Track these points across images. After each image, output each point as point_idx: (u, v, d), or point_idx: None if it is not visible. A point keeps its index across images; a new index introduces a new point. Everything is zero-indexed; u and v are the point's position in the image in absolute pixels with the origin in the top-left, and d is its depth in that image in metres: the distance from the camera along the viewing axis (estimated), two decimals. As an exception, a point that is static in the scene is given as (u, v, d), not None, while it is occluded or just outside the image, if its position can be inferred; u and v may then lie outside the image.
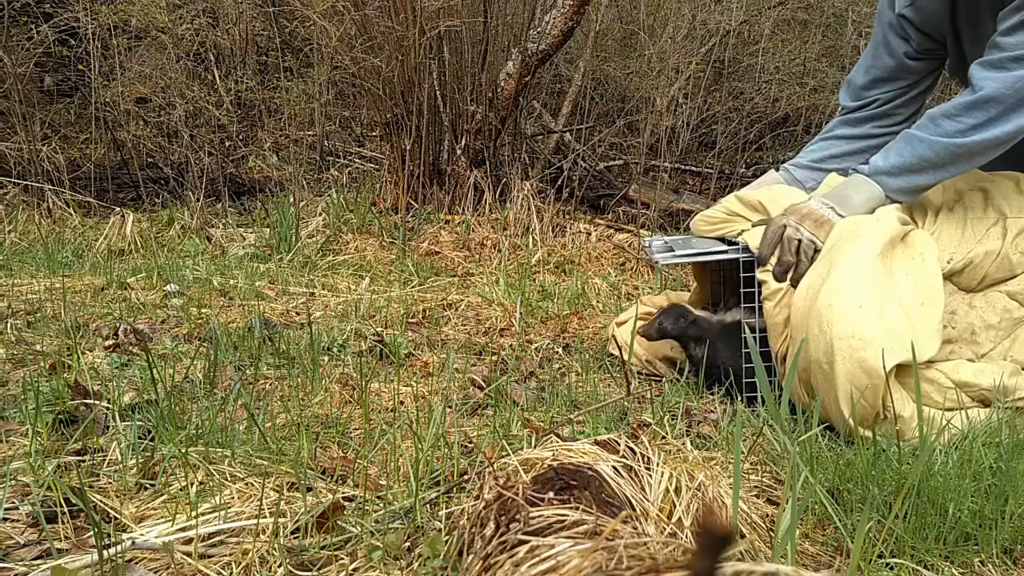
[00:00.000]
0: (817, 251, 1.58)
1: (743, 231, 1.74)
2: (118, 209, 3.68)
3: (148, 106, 4.55)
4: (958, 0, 1.72)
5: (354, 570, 0.92)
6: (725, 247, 1.77)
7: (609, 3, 4.88)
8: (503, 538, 0.76)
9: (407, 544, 0.96)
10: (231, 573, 0.89)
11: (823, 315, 1.44)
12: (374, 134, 4.87)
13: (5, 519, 0.97)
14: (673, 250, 1.78)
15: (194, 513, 0.97)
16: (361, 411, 1.44)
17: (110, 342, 1.79)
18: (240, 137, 4.90)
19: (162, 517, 0.99)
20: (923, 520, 1.05)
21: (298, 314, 2.32)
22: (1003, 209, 1.65)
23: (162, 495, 1.05)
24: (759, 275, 1.64)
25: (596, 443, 1.00)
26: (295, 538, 0.97)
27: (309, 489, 1.07)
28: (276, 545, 0.93)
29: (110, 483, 1.08)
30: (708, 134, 5.18)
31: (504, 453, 1.07)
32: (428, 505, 1.07)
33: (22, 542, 0.93)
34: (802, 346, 1.47)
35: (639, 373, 1.94)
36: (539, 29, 3.66)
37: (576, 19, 3.66)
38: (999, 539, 1.04)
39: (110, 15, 4.16)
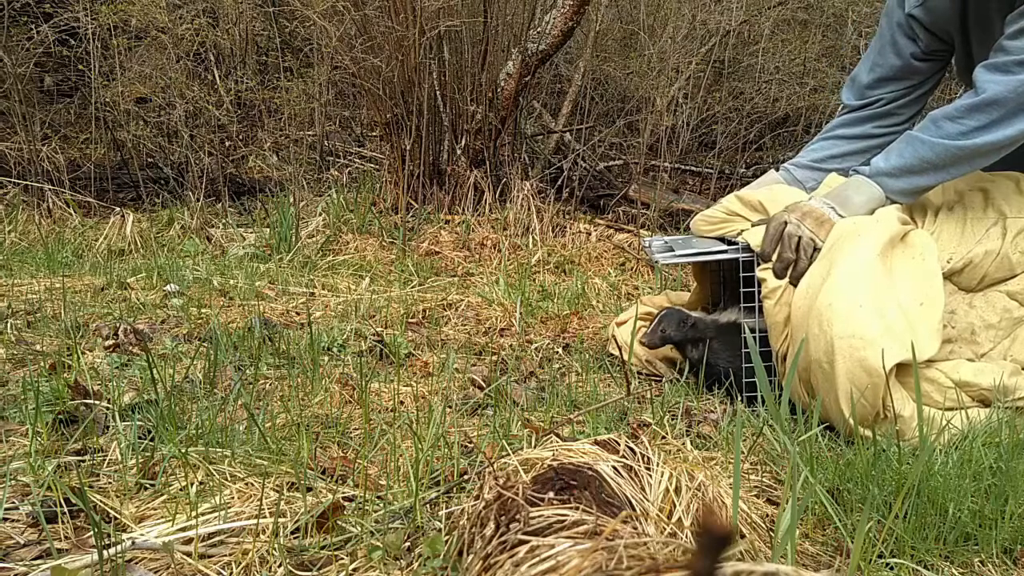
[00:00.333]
0: (817, 249, 1.58)
1: (743, 230, 1.75)
2: (118, 209, 3.68)
3: (148, 106, 4.55)
4: (968, 1, 1.71)
5: (354, 570, 0.92)
6: (725, 247, 1.77)
7: (609, 3, 4.88)
8: (503, 538, 0.76)
9: (407, 544, 0.96)
10: (231, 573, 0.89)
11: (823, 314, 1.44)
12: (374, 134, 4.87)
13: (5, 519, 0.97)
14: (673, 250, 1.78)
15: (194, 513, 0.97)
16: (361, 411, 1.44)
17: (110, 342, 1.79)
18: (240, 137, 4.90)
19: (162, 517, 0.99)
20: (923, 520, 1.05)
21: (298, 314, 2.32)
22: (1003, 209, 1.65)
23: (162, 495, 1.05)
24: (759, 273, 1.64)
25: (596, 443, 1.00)
26: (295, 538, 0.97)
27: (309, 489, 1.07)
28: (276, 545, 0.93)
29: (110, 483, 1.08)
30: (708, 134, 5.18)
31: (504, 453, 1.07)
32: (428, 505, 1.07)
33: (22, 542, 0.93)
34: (802, 345, 1.47)
35: (639, 373, 1.94)
36: (539, 29, 3.66)
37: (576, 19, 3.66)
38: (999, 539, 1.04)
39: (110, 15, 4.16)
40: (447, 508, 1.04)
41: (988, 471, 1.13)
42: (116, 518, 0.99)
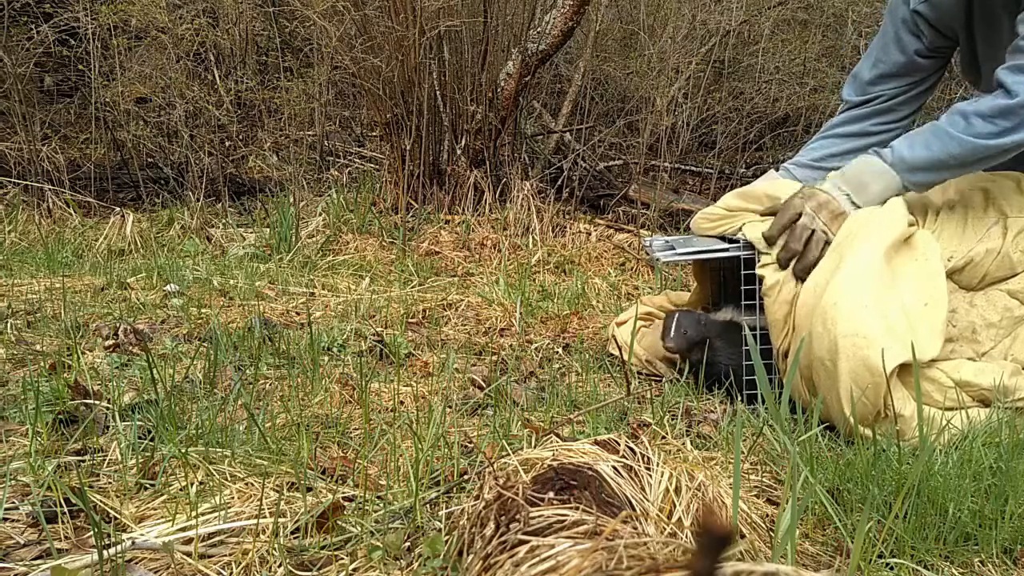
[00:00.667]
0: (828, 243, 1.57)
1: (745, 223, 1.74)
2: (118, 209, 3.68)
3: (148, 106, 4.55)
4: None
5: (354, 570, 0.92)
6: (726, 245, 1.77)
7: (609, 3, 4.88)
8: (503, 538, 0.76)
9: (407, 544, 0.96)
10: (231, 573, 0.89)
11: (828, 313, 1.44)
12: (374, 134, 4.87)
13: (5, 519, 0.97)
14: (674, 249, 1.78)
15: (194, 513, 0.97)
16: (361, 411, 1.44)
17: (110, 342, 1.79)
18: (240, 137, 4.90)
19: (162, 517, 0.99)
20: (923, 520, 1.05)
21: (298, 314, 2.32)
22: (1004, 208, 1.65)
23: (162, 495, 1.05)
24: (759, 271, 1.64)
25: (596, 443, 1.00)
26: (295, 538, 0.97)
27: (309, 489, 1.07)
28: (276, 545, 0.93)
29: (110, 483, 1.08)
30: (708, 134, 5.18)
31: (504, 453, 1.07)
32: (428, 505, 1.07)
33: (22, 542, 0.93)
34: (803, 343, 1.47)
35: (639, 373, 1.94)
36: (539, 29, 3.66)
37: (576, 19, 3.66)
38: (999, 539, 1.04)
39: (110, 15, 4.15)
40: (447, 508, 1.04)
41: (988, 471, 1.13)
42: (116, 518, 0.99)
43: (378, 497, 1.07)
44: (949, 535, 1.04)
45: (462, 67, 3.71)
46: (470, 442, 1.37)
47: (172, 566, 0.90)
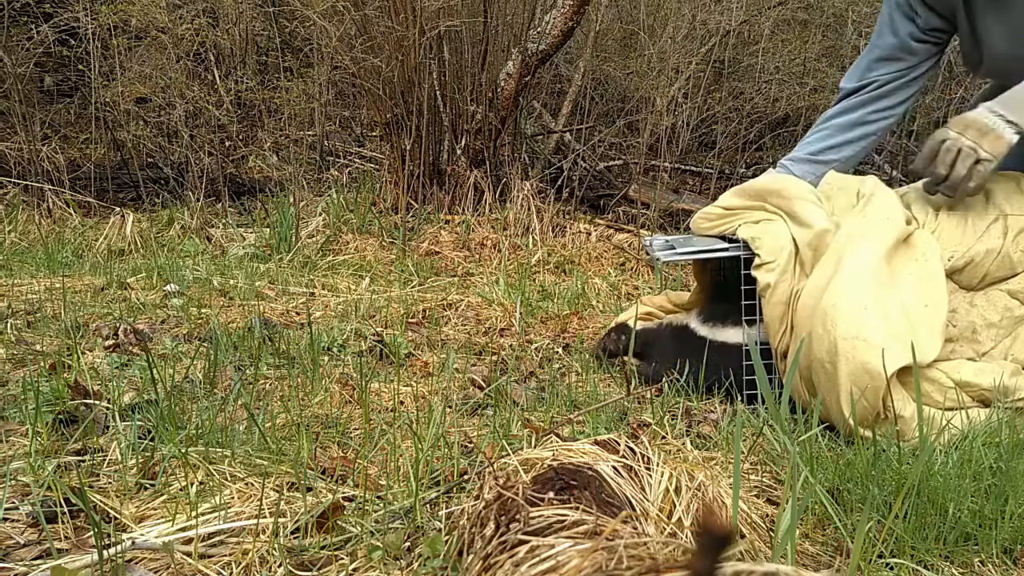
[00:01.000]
0: (978, 161, 1.53)
1: (741, 223, 1.74)
2: (118, 209, 3.68)
3: (148, 106, 4.55)
4: None
5: (354, 570, 0.92)
6: (725, 245, 1.77)
7: (609, 3, 4.88)
8: (503, 538, 0.76)
9: (407, 544, 0.96)
10: (231, 573, 0.89)
11: (828, 314, 1.44)
12: (374, 134, 4.87)
13: (5, 519, 0.97)
14: (674, 248, 1.78)
15: (194, 513, 0.97)
16: (361, 411, 1.44)
17: (110, 342, 1.79)
18: (240, 137, 4.90)
19: (162, 517, 0.99)
20: (923, 520, 1.05)
21: (298, 314, 2.32)
22: (1004, 208, 1.65)
23: (162, 495, 1.05)
24: (754, 272, 1.64)
25: (596, 443, 1.00)
26: (295, 538, 0.97)
27: (309, 489, 1.07)
28: (276, 545, 0.93)
29: (110, 483, 1.08)
30: (708, 134, 5.18)
31: (504, 453, 1.07)
32: (428, 505, 1.07)
33: (22, 542, 0.93)
34: (802, 344, 1.47)
35: (639, 373, 1.94)
36: (539, 29, 3.66)
37: (576, 19, 3.66)
38: (999, 539, 1.04)
39: (110, 15, 4.15)
40: (447, 508, 1.04)
41: (988, 471, 1.13)
42: (116, 518, 0.99)
43: (378, 497, 1.07)
44: (949, 535, 1.04)
45: (462, 67, 3.71)
46: (470, 442, 1.37)
47: (172, 566, 0.90)
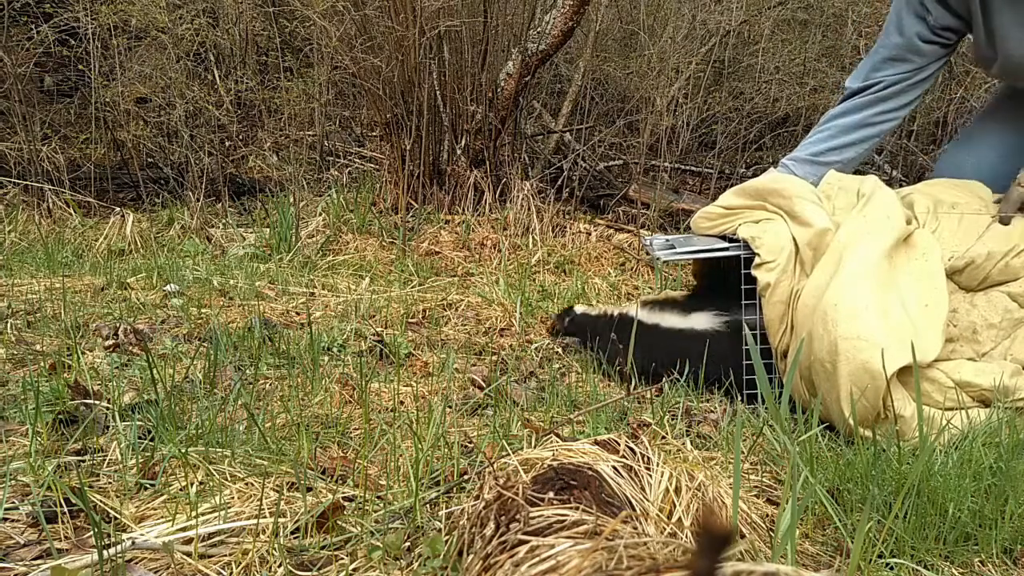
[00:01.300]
0: None
1: (741, 223, 1.74)
2: (118, 209, 3.68)
3: (148, 106, 4.55)
4: None
5: (354, 570, 0.92)
6: (726, 244, 1.77)
7: (609, 3, 4.87)
8: (503, 538, 0.76)
9: (407, 544, 0.96)
10: (231, 573, 0.89)
11: (828, 314, 1.44)
12: (374, 134, 4.86)
13: (5, 519, 0.97)
14: (674, 248, 1.79)
15: (194, 513, 0.97)
16: (361, 411, 1.44)
17: (110, 342, 1.79)
18: (240, 137, 4.90)
19: (162, 517, 0.99)
20: (923, 520, 1.05)
21: (298, 314, 2.32)
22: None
23: (162, 495, 1.05)
24: (753, 272, 1.64)
25: (596, 443, 1.00)
26: (295, 538, 0.97)
27: (309, 489, 1.07)
28: (276, 545, 0.93)
29: (110, 483, 1.08)
30: (708, 134, 5.17)
31: (504, 453, 1.07)
32: (428, 505, 1.07)
33: (22, 542, 0.93)
34: (802, 344, 1.47)
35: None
36: (539, 29, 3.66)
37: (576, 19, 3.66)
38: (999, 539, 1.04)
39: (110, 15, 4.15)
40: (447, 508, 1.04)
41: (988, 471, 1.13)
42: (116, 518, 0.99)
43: (378, 497, 1.07)
44: (949, 535, 1.04)
45: (462, 67, 3.70)
46: (470, 442, 1.37)
47: (172, 566, 0.90)
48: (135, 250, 3.35)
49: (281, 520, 0.97)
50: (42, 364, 1.55)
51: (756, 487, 1.22)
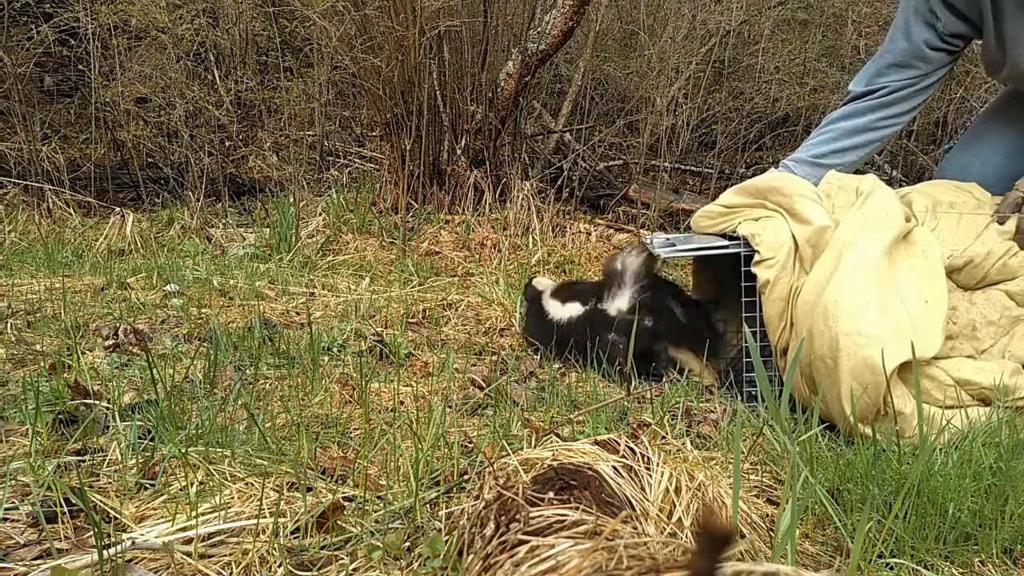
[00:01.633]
0: None
1: (741, 221, 1.74)
2: (118, 209, 3.68)
3: (148, 106, 4.55)
4: None
5: (354, 570, 0.92)
6: (725, 242, 1.77)
7: (609, 3, 4.87)
8: (503, 538, 0.76)
9: (407, 544, 0.96)
10: (231, 573, 0.89)
11: (829, 310, 1.44)
12: (374, 134, 4.86)
13: (5, 519, 0.97)
14: (674, 246, 1.79)
15: (194, 513, 0.97)
16: (361, 411, 1.44)
17: (110, 342, 1.79)
18: (240, 137, 4.90)
19: (162, 517, 0.99)
20: (923, 520, 1.05)
21: (298, 314, 2.32)
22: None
23: (162, 495, 1.05)
24: (753, 269, 1.64)
25: (596, 443, 1.00)
26: (295, 538, 0.97)
27: (309, 489, 1.07)
28: (276, 545, 0.93)
29: (110, 483, 1.08)
30: (708, 134, 5.17)
31: (504, 453, 1.07)
32: (428, 505, 1.07)
33: (22, 542, 0.93)
34: (803, 342, 1.47)
35: (639, 373, 1.94)
36: (539, 29, 3.66)
37: (576, 19, 3.66)
38: (999, 539, 1.04)
39: (110, 15, 4.15)
40: (447, 508, 1.04)
41: (988, 471, 1.13)
42: (116, 518, 0.99)
43: (378, 497, 1.07)
44: (949, 535, 1.04)
45: (462, 67, 3.70)
46: (470, 442, 1.37)
47: (172, 566, 0.90)
48: (135, 250, 3.35)
49: (281, 520, 0.97)
50: (42, 364, 1.55)
51: (756, 487, 1.22)
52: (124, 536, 0.93)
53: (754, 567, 0.50)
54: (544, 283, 2.23)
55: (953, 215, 1.67)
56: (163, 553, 0.91)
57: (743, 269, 1.69)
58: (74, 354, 1.55)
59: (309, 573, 0.91)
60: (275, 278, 2.81)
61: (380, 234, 3.53)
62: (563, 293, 2.07)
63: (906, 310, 1.45)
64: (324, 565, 0.93)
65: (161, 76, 4.38)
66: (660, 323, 1.89)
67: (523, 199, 3.71)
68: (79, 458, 1.14)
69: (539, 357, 1.99)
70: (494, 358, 1.99)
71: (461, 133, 3.76)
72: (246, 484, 1.07)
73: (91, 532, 0.94)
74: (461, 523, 0.92)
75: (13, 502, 1.01)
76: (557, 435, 1.28)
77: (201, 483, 1.07)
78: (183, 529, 0.95)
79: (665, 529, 0.90)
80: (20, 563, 0.89)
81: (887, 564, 1.00)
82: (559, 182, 4.29)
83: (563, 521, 0.76)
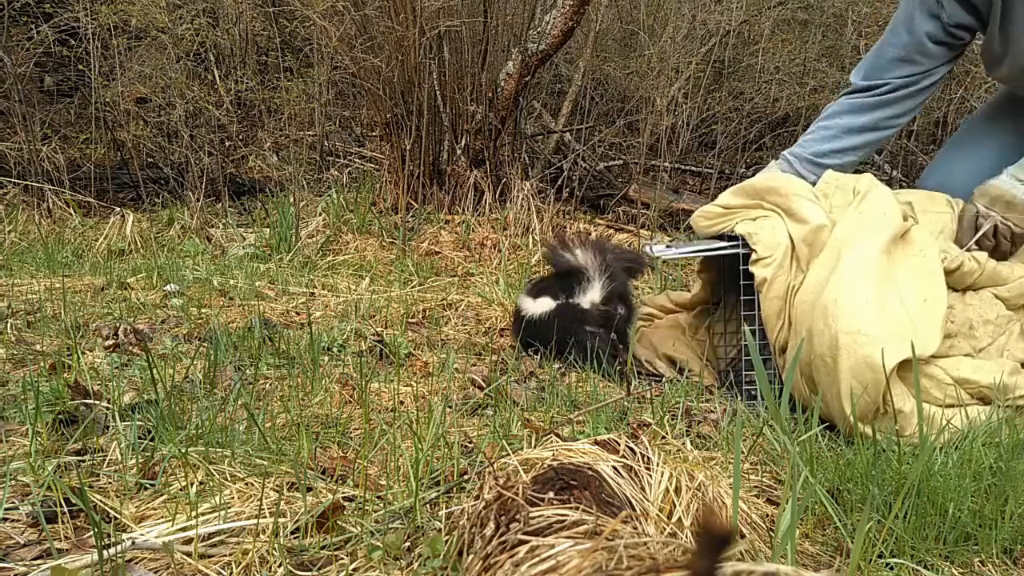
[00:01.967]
0: (1014, 235, 1.68)
1: (738, 221, 1.75)
2: (118, 209, 3.68)
3: (148, 106, 4.55)
4: None
5: (354, 570, 0.92)
6: (724, 243, 1.77)
7: (609, 3, 4.87)
8: (503, 538, 0.76)
9: (407, 544, 0.96)
10: (231, 573, 0.89)
11: (828, 309, 1.44)
12: (374, 134, 4.86)
13: (5, 519, 0.96)
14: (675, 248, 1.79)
15: (194, 513, 0.97)
16: (361, 411, 1.44)
17: (110, 342, 1.79)
18: (240, 137, 4.90)
19: (162, 517, 0.99)
20: (923, 520, 1.05)
21: (298, 314, 2.32)
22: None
23: (162, 495, 1.05)
24: (750, 268, 1.65)
25: (596, 443, 1.00)
26: (295, 538, 0.97)
27: (309, 489, 1.07)
28: (276, 545, 0.93)
29: (110, 483, 1.08)
30: (708, 134, 5.18)
31: (504, 453, 1.07)
32: (428, 505, 1.07)
33: (22, 542, 0.93)
34: (802, 341, 1.47)
35: (639, 373, 1.94)
36: (539, 29, 3.66)
37: (576, 19, 3.66)
38: (999, 539, 1.04)
39: (110, 15, 4.15)
40: (447, 508, 1.04)
41: (988, 471, 1.13)
42: (116, 518, 0.99)
43: (378, 497, 1.07)
44: (949, 535, 1.04)
45: (462, 67, 3.70)
46: (470, 442, 1.37)
47: (172, 566, 0.90)
48: (135, 250, 3.35)
49: (281, 520, 0.97)
50: (42, 364, 1.55)
51: (756, 487, 1.22)
52: (124, 536, 0.93)
53: (754, 567, 0.50)
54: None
55: (945, 217, 1.69)
56: (163, 553, 0.91)
57: (742, 268, 1.69)
58: (74, 354, 1.55)
59: (309, 573, 0.91)
60: (275, 278, 2.81)
61: (380, 234, 3.53)
62: (534, 289, 2.09)
63: (905, 309, 1.45)
64: (324, 565, 0.93)
65: (161, 76, 4.38)
66: (630, 310, 2.00)
67: (523, 199, 3.71)
68: (79, 458, 1.14)
69: (539, 357, 1.99)
70: (494, 358, 1.99)
71: (461, 133, 3.76)
72: (246, 484, 1.07)
73: (91, 532, 0.94)
74: (461, 523, 0.92)
75: (13, 502, 1.01)
76: (557, 435, 1.28)
77: (201, 483, 1.07)
78: (183, 529, 0.95)
79: (665, 529, 0.90)
80: (20, 563, 0.89)
81: (887, 564, 1.00)
82: (559, 182, 4.29)
83: (563, 521, 0.76)
